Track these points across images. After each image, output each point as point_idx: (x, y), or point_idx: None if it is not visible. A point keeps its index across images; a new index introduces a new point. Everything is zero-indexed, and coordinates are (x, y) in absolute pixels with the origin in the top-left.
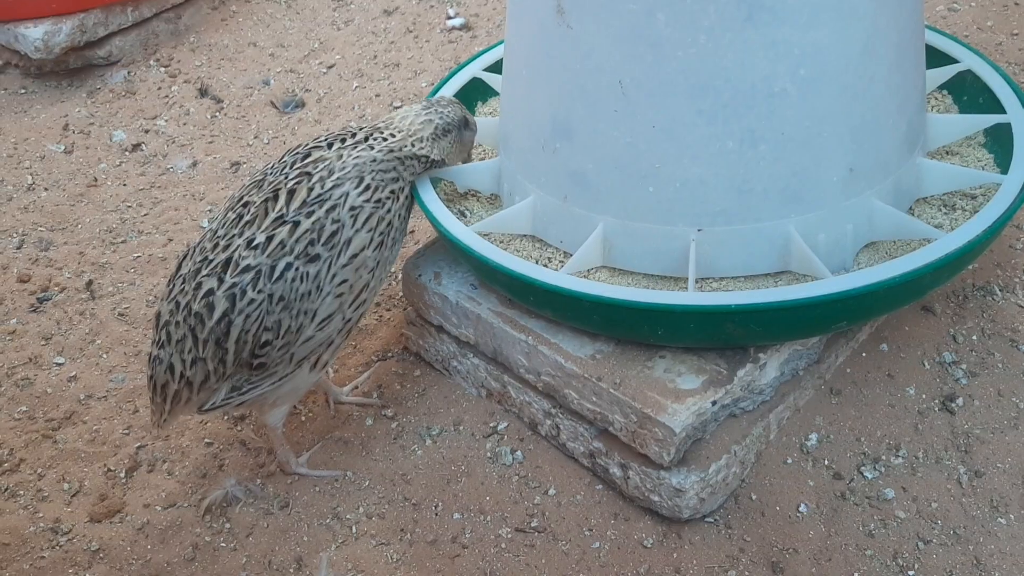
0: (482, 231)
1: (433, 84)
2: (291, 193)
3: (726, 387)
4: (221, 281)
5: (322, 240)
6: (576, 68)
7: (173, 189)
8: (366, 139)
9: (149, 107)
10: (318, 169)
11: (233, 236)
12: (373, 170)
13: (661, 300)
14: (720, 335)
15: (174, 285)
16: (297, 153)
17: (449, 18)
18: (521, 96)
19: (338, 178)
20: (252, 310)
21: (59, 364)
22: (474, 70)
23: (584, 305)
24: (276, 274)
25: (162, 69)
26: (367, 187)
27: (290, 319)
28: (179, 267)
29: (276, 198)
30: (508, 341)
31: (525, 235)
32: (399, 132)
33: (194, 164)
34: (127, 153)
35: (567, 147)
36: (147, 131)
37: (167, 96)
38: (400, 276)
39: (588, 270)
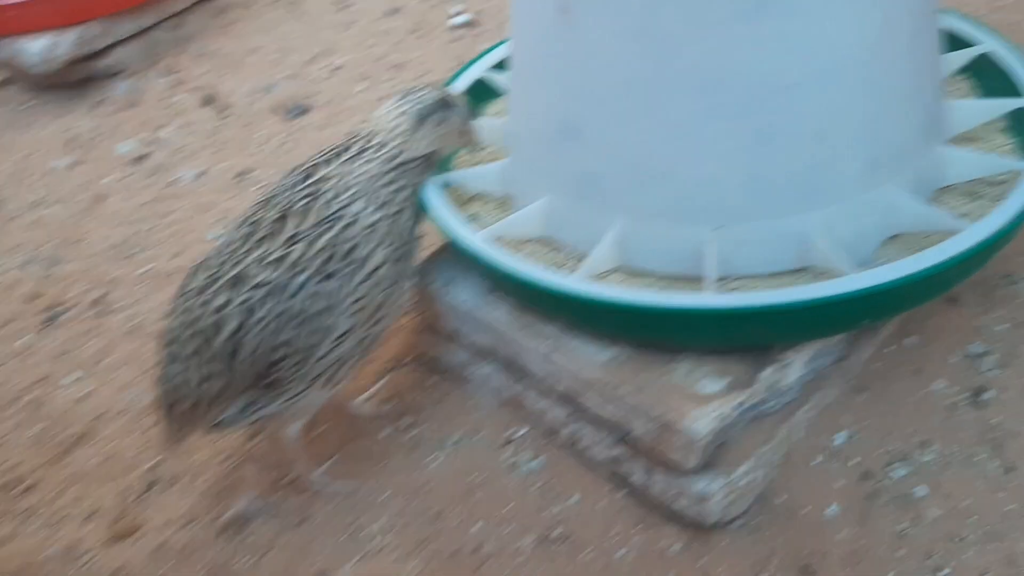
0: (492, 236)
1: (439, 84)
2: (304, 213)
3: (749, 389)
4: (232, 297)
5: (338, 257)
6: (582, 67)
7: (180, 201)
8: (361, 152)
9: (154, 117)
10: (326, 188)
11: (243, 253)
12: (381, 185)
13: (677, 302)
14: (741, 336)
15: (181, 302)
16: (298, 173)
17: (453, 16)
18: (527, 96)
19: (351, 195)
20: (264, 327)
21: (71, 383)
22: (480, 70)
23: (598, 310)
24: (291, 291)
25: (165, 79)
26: (381, 203)
27: (304, 337)
28: (185, 284)
29: (286, 217)
30: (523, 348)
31: (538, 238)
32: (382, 132)
33: (200, 174)
34: (132, 165)
35: (576, 148)
36: (152, 142)
37: (171, 105)
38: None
39: (603, 273)
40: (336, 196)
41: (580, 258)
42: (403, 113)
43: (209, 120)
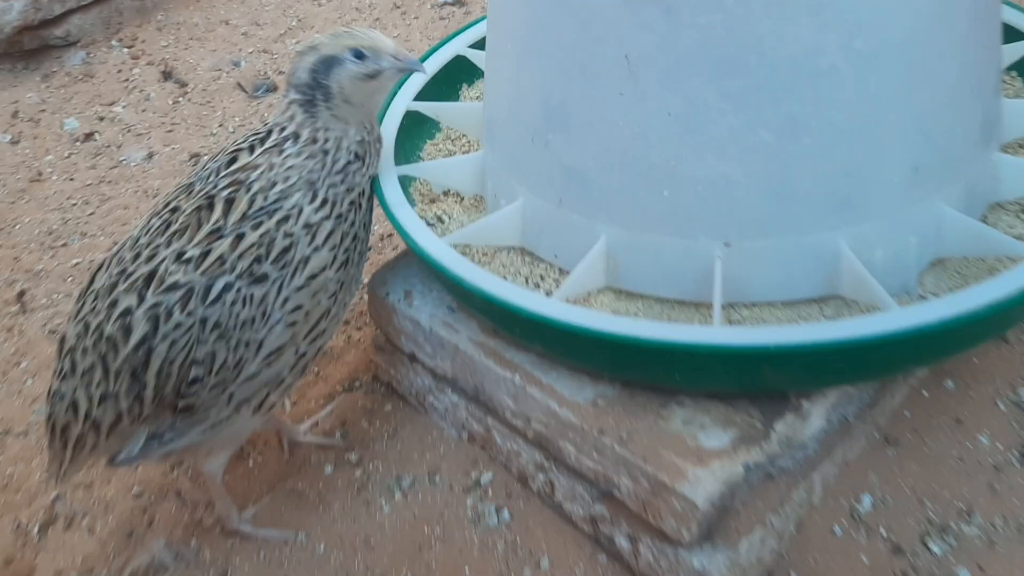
0: (459, 243)
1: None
2: (229, 202)
3: (761, 445)
4: (142, 299)
5: (271, 257)
6: (572, 40)
7: (124, 184)
8: (283, 142)
9: (107, 92)
10: (254, 176)
11: (159, 246)
12: (325, 174)
13: (681, 338)
14: (755, 381)
15: (84, 302)
16: (220, 159)
17: None
18: (506, 76)
19: (284, 188)
20: (179, 336)
21: None
22: (458, 47)
23: (582, 341)
24: (212, 295)
25: (124, 50)
26: (324, 201)
27: (227, 351)
28: (91, 280)
29: (211, 207)
30: (492, 378)
31: (513, 247)
32: (286, 124)
33: (150, 156)
34: (78, 143)
35: (562, 139)
36: (102, 118)
37: (127, 80)
38: (366, 292)
39: (588, 293)
40: (267, 188)
41: (562, 273)
42: (286, 92)
43: (166, 97)
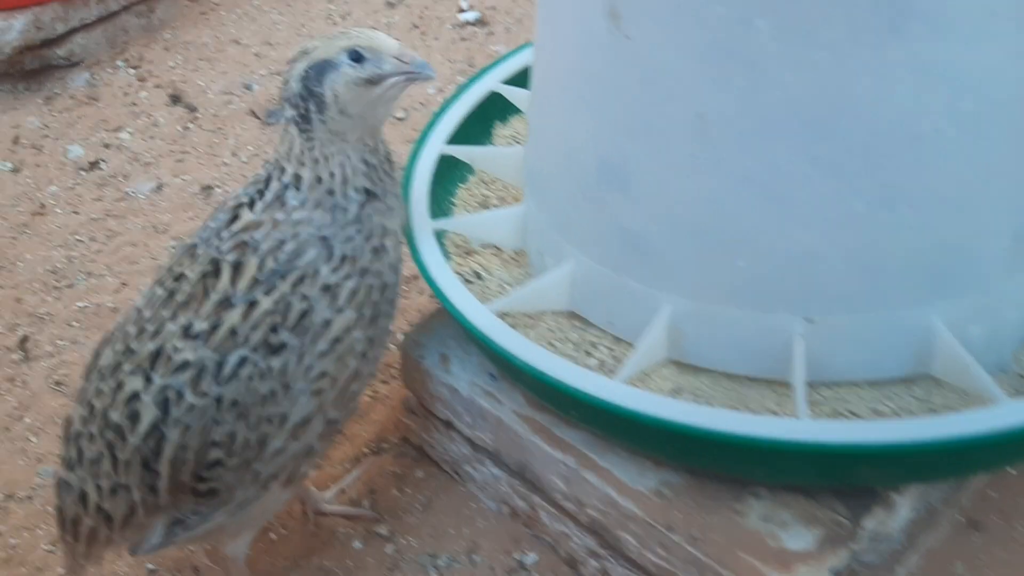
0: (505, 311)
1: (443, 90)
2: (237, 267)
3: (848, 544)
4: (149, 381)
5: (288, 324)
6: (636, 95)
7: (132, 219)
8: (285, 191)
9: (112, 116)
10: (259, 237)
11: (164, 320)
12: (339, 236)
13: (768, 434)
14: (848, 478)
15: (90, 380)
16: (218, 217)
17: (461, 11)
18: (556, 127)
19: (296, 247)
20: (192, 420)
21: None
22: (491, 82)
23: (654, 432)
24: (226, 372)
25: (130, 71)
26: (343, 258)
27: (248, 430)
28: (98, 355)
29: (218, 273)
30: (540, 457)
31: (560, 311)
32: (285, 161)
33: (159, 187)
34: (83, 172)
35: (621, 200)
36: (108, 145)
37: (134, 103)
38: (398, 350)
39: (648, 367)
40: (276, 249)
41: (616, 342)
42: (284, 109)
43: (175, 122)
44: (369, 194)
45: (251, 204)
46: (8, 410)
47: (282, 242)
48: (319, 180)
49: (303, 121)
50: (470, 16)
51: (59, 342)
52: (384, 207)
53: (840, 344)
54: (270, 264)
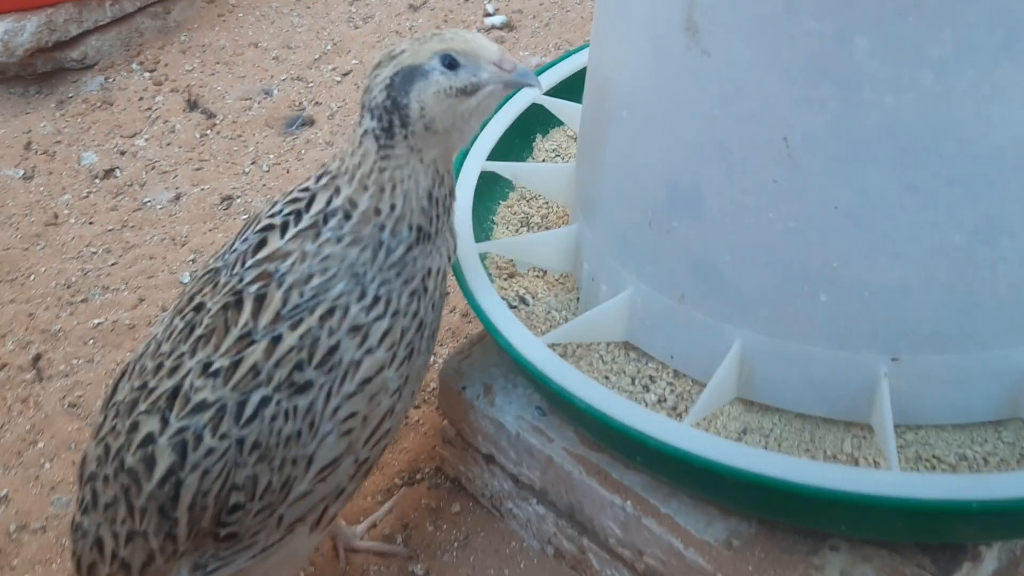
0: (558, 343)
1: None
2: (260, 300)
3: None
4: (165, 423)
5: (315, 362)
6: (714, 115)
7: (149, 230)
8: (326, 220)
9: (128, 122)
10: (284, 268)
11: (183, 355)
12: (376, 278)
13: (859, 488)
14: (941, 534)
15: (106, 417)
16: (247, 238)
17: (488, 15)
18: (616, 147)
19: (323, 281)
20: (211, 464)
21: None
22: (531, 94)
23: (728, 482)
24: (247, 413)
25: (146, 75)
26: (376, 299)
27: (271, 473)
28: (114, 389)
29: (239, 305)
30: (594, 500)
31: (615, 342)
32: (347, 179)
33: (177, 197)
34: (97, 180)
35: (691, 227)
36: (123, 152)
37: (150, 108)
38: (436, 378)
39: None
40: (306, 279)
41: (677, 375)
42: (359, 122)
43: (193, 129)
44: (421, 234)
45: (284, 228)
46: (21, 433)
47: (309, 276)
48: (377, 212)
49: (385, 135)
50: (496, 20)
51: (74, 361)
52: (432, 248)
53: (927, 386)
54: (295, 298)
